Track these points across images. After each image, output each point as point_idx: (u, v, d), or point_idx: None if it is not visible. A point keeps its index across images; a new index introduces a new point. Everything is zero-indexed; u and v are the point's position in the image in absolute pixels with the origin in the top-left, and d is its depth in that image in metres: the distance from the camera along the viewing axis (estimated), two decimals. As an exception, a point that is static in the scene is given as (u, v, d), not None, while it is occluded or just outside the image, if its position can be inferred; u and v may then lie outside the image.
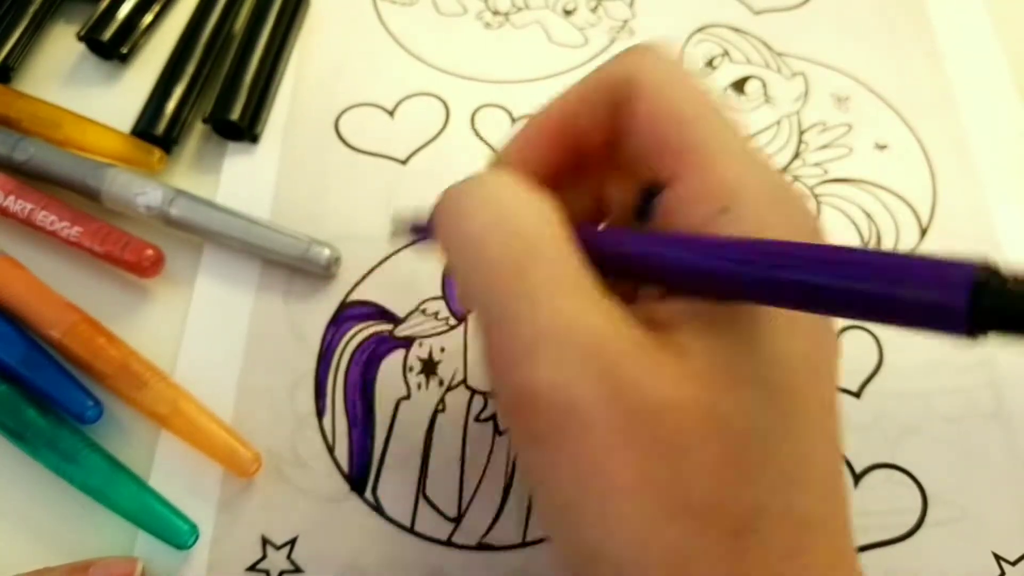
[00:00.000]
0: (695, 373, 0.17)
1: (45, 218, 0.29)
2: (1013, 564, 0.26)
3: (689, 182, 0.19)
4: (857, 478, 0.27)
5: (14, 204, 0.29)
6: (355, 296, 0.30)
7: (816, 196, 0.33)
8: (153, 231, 0.30)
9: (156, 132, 0.32)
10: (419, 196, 0.32)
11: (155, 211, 0.30)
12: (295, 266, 0.30)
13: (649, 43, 0.21)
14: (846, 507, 0.18)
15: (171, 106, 0.32)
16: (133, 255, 0.29)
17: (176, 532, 0.25)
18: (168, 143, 0.32)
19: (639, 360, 0.17)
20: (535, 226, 0.18)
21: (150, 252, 0.29)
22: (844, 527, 0.18)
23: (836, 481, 0.18)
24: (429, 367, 0.29)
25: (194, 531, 0.25)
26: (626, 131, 0.20)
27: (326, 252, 0.29)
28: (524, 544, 0.26)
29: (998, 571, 0.26)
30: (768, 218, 0.18)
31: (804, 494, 0.17)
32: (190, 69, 0.33)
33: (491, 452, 0.27)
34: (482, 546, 0.26)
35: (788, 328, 0.18)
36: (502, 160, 0.22)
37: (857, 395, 0.29)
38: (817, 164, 0.33)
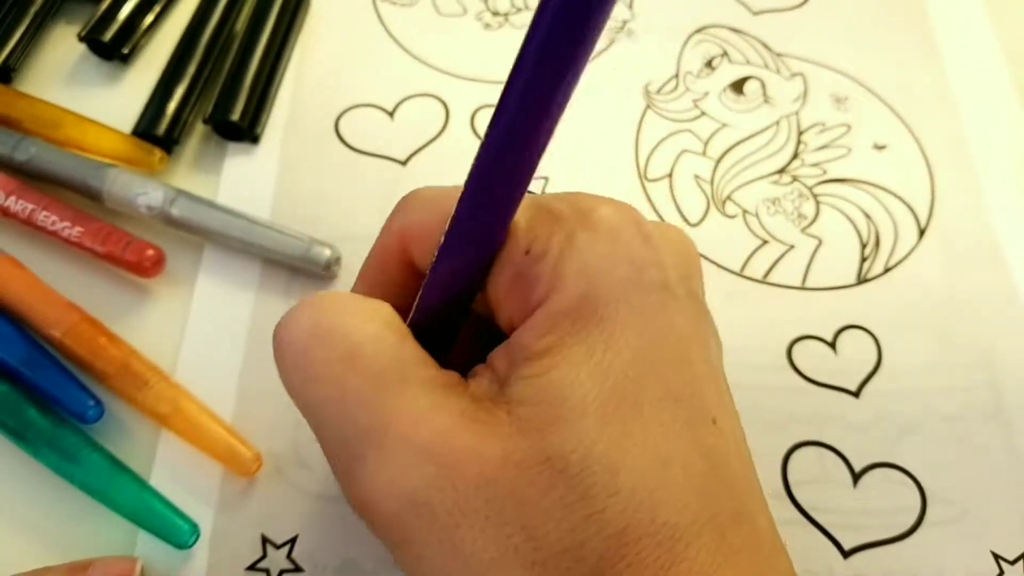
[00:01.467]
0: (524, 423, 0.17)
1: (46, 218, 0.29)
2: (1012, 563, 0.26)
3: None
4: (856, 477, 0.27)
5: (15, 204, 0.29)
6: (355, 296, 0.30)
7: (815, 196, 0.33)
8: (154, 231, 0.30)
9: (157, 132, 0.32)
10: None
11: (156, 211, 0.30)
12: (296, 266, 0.30)
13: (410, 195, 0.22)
14: (730, 498, 0.18)
15: (172, 106, 0.32)
16: (134, 255, 0.29)
17: (177, 531, 0.25)
18: (169, 143, 0.32)
19: (464, 432, 0.17)
20: (358, 326, 0.18)
21: (151, 252, 0.29)
22: (732, 521, 0.17)
23: (706, 479, 0.17)
24: (429, 367, 0.29)
25: (195, 530, 0.25)
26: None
27: (327, 252, 0.29)
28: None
29: (997, 570, 0.26)
30: (576, 235, 0.18)
31: (665, 504, 0.17)
32: (191, 69, 0.33)
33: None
34: (482, 545, 0.26)
35: (613, 340, 0.17)
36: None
37: (856, 395, 0.29)
38: (816, 164, 0.34)
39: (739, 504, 0.18)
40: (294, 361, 0.19)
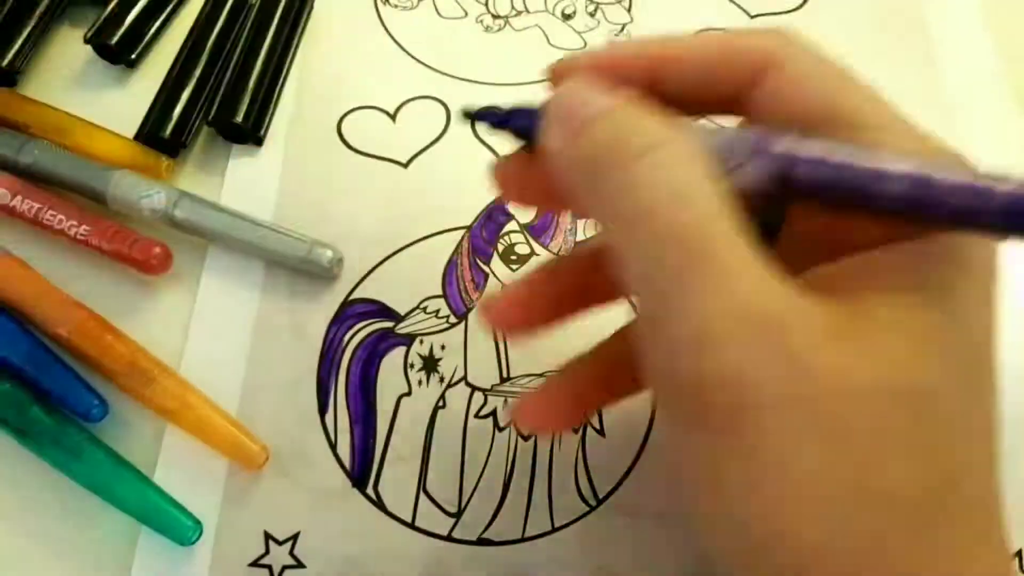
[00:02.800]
0: (888, 350, 0.16)
1: (52, 217, 0.30)
2: (1010, 559, 0.26)
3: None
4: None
5: (21, 204, 0.30)
6: (357, 295, 0.30)
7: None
8: (158, 233, 0.30)
9: (163, 135, 0.32)
10: (420, 199, 0.32)
11: (160, 213, 0.30)
12: (298, 267, 0.30)
13: (784, 28, 0.20)
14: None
15: (178, 110, 0.32)
16: (141, 252, 0.29)
17: (180, 528, 0.25)
18: (176, 147, 0.32)
19: (826, 342, 0.16)
20: (707, 205, 0.16)
21: (158, 250, 0.29)
22: (999, 509, 0.17)
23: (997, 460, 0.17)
24: (430, 364, 0.29)
25: (197, 527, 0.25)
26: (757, 105, 0.19)
27: (328, 253, 0.30)
28: (524, 539, 0.26)
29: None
30: None
31: (992, 476, 0.17)
32: (197, 73, 0.33)
33: (491, 448, 0.28)
34: (482, 541, 0.26)
35: (979, 295, 0.17)
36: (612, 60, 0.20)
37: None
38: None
39: None
40: (641, 228, 0.17)
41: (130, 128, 0.33)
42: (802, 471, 0.15)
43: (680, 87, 0.20)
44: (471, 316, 0.30)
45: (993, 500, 0.17)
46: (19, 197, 0.30)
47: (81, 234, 0.29)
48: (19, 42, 0.34)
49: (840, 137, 0.17)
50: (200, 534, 0.25)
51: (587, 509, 0.27)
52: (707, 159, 0.17)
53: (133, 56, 0.35)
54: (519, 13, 0.37)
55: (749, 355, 0.15)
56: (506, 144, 0.22)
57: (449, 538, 0.26)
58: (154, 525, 0.25)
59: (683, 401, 0.16)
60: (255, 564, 0.25)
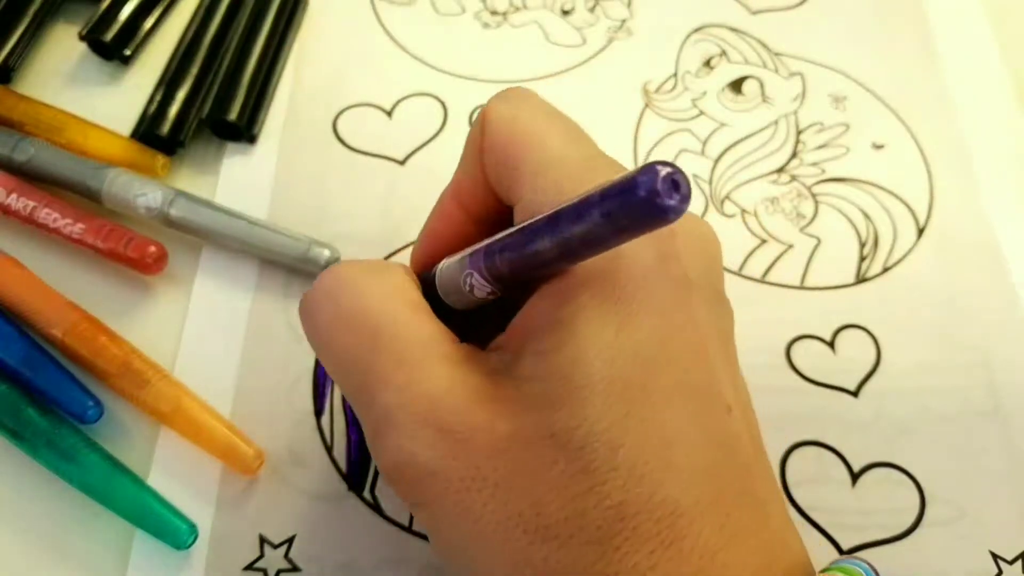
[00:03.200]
0: (531, 400, 0.18)
1: (48, 215, 0.29)
2: (1011, 563, 0.26)
3: (526, 196, 0.20)
4: (855, 477, 0.27)
5: (16, 202, 0.30)
6: (353, 296, 0.30)
7: (814, 195, 0.33)
8: (153, 231, 0.30)
9: (161, 133, 0.32)
10: (417, 196, 0.32)
11: (155, 212, 0.30)
12: (294, 266, 0.30)
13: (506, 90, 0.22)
14: (740, 480, 0.18)
15: (175, 108, 0.32)
16: (136, 251, 0.29)
17: (175, 532, 0.25)
18: (173, 145, 0.32)
19: (477, 410, 0.18)
20: (378, 306, 0.20)
21: (153, 249, 0.29)
22: (739, 503, 0.18)
23: (714, 463, 0.18)
24: (427, 367, 0.29)
25: (193, 531, 0.25)
26: (483, 171, 0.21)
27: (326, 253, 0.29)
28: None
29: (996, 570, 0.26)
30: None
31: (667, 484, 0.17)
32: (193, 71, 0.33)
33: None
34: (480, 545, 0.26)
35: (628, 323, 0.18)
36: (422, 242, 0.23)
37: (855, 394, 0.29)
38: (814, 164, 0.34)
39: (749, 487, 0.18)
40: (321, 345, 0.21)
41: (125, 125, 0.32)
42: (476, 520, 0.18)
43: (473, 221, 0.23)
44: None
45: (689, 504, 0.17)
46: (14, 195, 0.30)
47: (76, 233, 0.29)
48: (13, 39, 0.34)
49: (525, 182, 0.20)
50: (195, 538, 0.25)
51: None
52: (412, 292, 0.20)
53: (127, 52, 0.34)
54: (517, 9, 0.37)
55: (413, 440, 0.18)
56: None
57: (446, 542, 0.26)
58: (149, 529, 0.25)
59: (389, 485, 0.20)
60: (250, 568, 0.25)
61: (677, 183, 0.14)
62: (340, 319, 0.20)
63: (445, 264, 0.21)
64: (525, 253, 0.18)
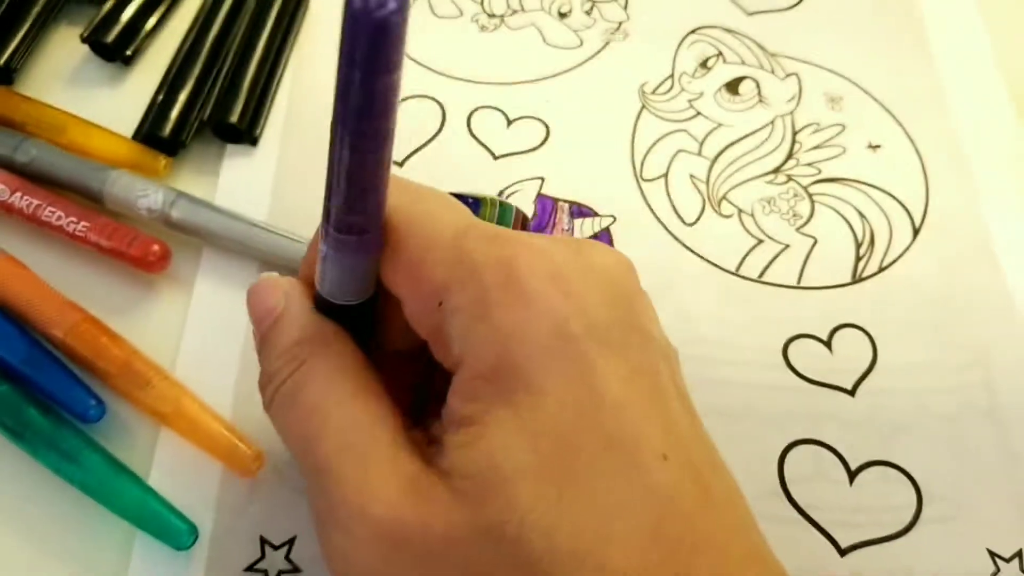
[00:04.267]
0: (460, 496, 0.17)
1: (51, 213, 0.29)
2: (1007, 560, 0.26)
3: (407, 292, 0.20)
4: (852, 476, 0.27)
5: (20, 200, 0.30)
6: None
7: (810, 195, 0.33)
8: (153, 232, 0.30)
9: (163, 134, 0.32)
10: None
11: (156, 213, 0.30)
12: (294, 268, 0.30)
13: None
14: (688, 531, 0.17)
15: (177, 110, 0.32)
16: (140, 250, 0.29)
17: (175, 533, 0.25)
18: (175, 146, 0.32)
19: (411, 508, 0.18)
20: (320, 398, 0.19)
21: (156, 247, 0.29)
22: (692, 554, 0.17)
23: (655, 518, 0.17)
24: (426, 367, 0.29)
25: (193, 532, 0.25)
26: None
27: (324, 253, 0.29)
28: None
29: (993, 568, 0.26)
30: (489, 294, 0.18)
31: (611, 556, 0.16)
32: (195, 72, 0.33)
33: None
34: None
35: (537, 405, 0.17)
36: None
37: (851, 393, 0.29)
38: (810, 164, 0.34)
39: (697, 537, 0.17)
40: (278, 427, 0.21)
41: (126, 126, 0.32)
42: None
43: None
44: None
45: (644, 572, 0.17)
46: (18, 193, 0.30)
47: (80, 231, 0.29)
48: (16, 40, 0.34)
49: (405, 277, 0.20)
50: (196, 539, 0.25)
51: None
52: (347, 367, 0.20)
53: (129, 53, 0.34)
54: (515, 12, 0.37)
55: (347, 539, 0.18)
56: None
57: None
58: (150, 530, 0.25)
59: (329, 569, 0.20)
60: (251, 569, 0.25)
61: None
62: (288, 408, 0.20)
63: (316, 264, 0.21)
64: (340, 172, 0.18)
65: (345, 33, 0.15)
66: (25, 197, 0.30)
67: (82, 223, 0.29)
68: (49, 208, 0.29)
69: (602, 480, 0.17)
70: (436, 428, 0.19)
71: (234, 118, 0.32)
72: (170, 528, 0.25)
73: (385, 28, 0.14)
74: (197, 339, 0.29)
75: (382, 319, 0.22)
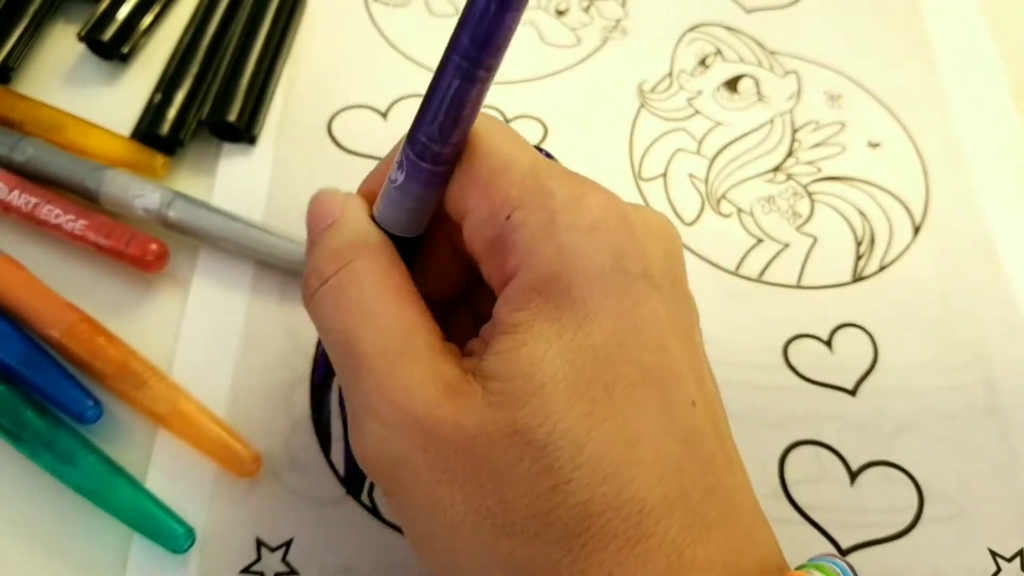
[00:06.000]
0: (498, 396, 0.18)
1: (50, 212, 0.29)
2: (1009, 560, 0.26)
3: (477, 203, 0.20)
4: (853, 476, 0.27)
5: (18, 199, 0.29)
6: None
7: (810, 194, 0.33)
8: (150, 232, 0.30)
9: (161, 133, 0.32)
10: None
11: (153, 213, 0.30)
12: (293, 269, 0.30)
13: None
14: (705, 475, 0.18)
15: (175, 108, 0.32)
16: (137, 249, 0.29)
17: (172, 535, 0.25)
18: (173, 145, 0.32)
19: (446, 404, 0.18)
20: (366, 294, 0.20)
21: (155, 247, 0.29)
22: (706, 498, 0.18)
23: (679, 459, 0.18)
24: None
25: (190, 534, 0.25)
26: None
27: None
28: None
29: (994, 568, 0.26)
30: (559, 216, 0.19)
31: (632, 480, 0.17)
32: (193, 71, 0.33)
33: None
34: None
35: (585, 323, 0.18)
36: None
37: (852, 393, 0.29)
38: (810, 162, 0.34)
39: (715, 480, 0.18)
40: (317, 321, 0.21)
41: (124, 125, 0.32)
42: (455, 518, 0.18)
43: None
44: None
45: (655, 501, 0.17)
46: (16, 191, 0.30)
47: (78, 229, 0.29)
48: (12, 39, 0.34)
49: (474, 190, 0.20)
50: (193, 542, 0.25)
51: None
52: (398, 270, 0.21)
53: (125, 51, 0.34)
54: (513, 9, 0.37)
55: (385, 430, 0.19)
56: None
57: (444, 543, 0.26)
58: (146, 532, 0.25)
59: (366, 473, 0.21)
60: (247, 571, 0.25)
61: None
62: (336, 311, 0.20)
63: (381, 190, 0.21)
64: (444, 101, 0.19)
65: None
66: (23, 195, 0.30)
67: (80, 221, 0.29)
68: (47, 206, 0.29)
69: (633, 408, 0.18)
70: (470, 353, 0.20)
71: (232, 117, 0.32)
72: (167, 531, 0.25)
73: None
74: (194, 340, 0.29)
75: (422, 263, 0.22)
